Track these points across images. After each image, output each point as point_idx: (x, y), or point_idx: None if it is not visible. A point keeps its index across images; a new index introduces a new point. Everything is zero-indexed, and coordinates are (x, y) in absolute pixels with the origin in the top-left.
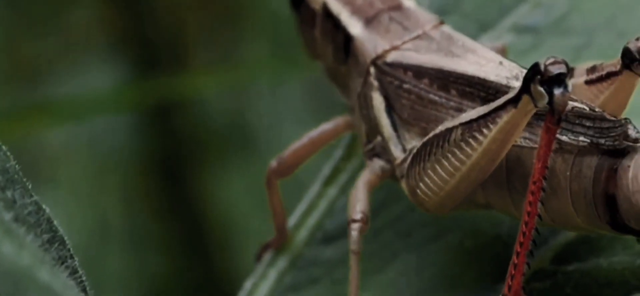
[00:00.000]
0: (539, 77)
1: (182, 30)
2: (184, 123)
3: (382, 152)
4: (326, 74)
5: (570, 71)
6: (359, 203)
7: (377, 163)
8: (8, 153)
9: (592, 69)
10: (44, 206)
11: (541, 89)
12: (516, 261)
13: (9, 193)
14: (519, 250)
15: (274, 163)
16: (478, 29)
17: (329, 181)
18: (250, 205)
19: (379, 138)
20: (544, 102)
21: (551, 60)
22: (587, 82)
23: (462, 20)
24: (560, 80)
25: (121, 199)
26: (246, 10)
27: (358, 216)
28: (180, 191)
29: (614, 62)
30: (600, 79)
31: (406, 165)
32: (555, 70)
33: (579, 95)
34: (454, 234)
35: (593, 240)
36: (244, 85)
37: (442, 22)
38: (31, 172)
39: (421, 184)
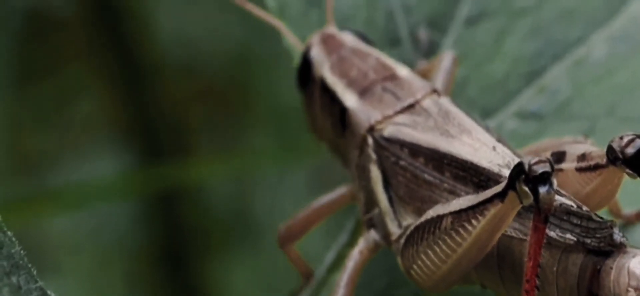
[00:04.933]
0: (523, 176)
1: (186, 119)
2: (187, 212)
3: (379, 223)
4: (328, 148)
5: (561, 156)
6: None
7: (372, 236)
8: (13, 239)
9: (582, 157)
10: (49, 291)
11: (526, 189)
12: None
13: (14, 279)
14: None
15: (282, 228)
16: (482, 114)
17: (333, 267)
18: (255, 294)
19: (376, 210)
20: (529, 200)
21: (535, 159)
22: (577, 169)
23: (466, 105)
24: (544, 179)
25: (125, 287)
26: (251, 101)
27: None
28: (184, 279)
29: (600, 153)
30: (589, 169)
31: (401, 242)
32: (540, 169)
33: (570, 181)
34: None
35: None
36: (248, 173)
37: (435, 91)
38: (35, 260)
39: (415, 266)
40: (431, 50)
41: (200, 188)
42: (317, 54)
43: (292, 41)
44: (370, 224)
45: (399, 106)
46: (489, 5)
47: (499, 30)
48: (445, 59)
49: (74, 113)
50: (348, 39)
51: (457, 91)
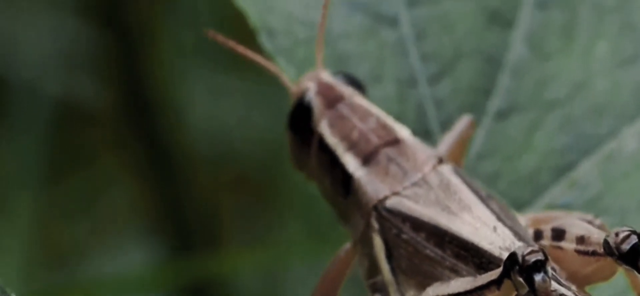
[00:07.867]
0: (517, 267)
1: (217, 210)
2: None
3: (383, 289)
4: (322, 194)
5: (561, 234)
6: None
7: None
8: None
9: (581, 239)
10: None
11: (520, 279)
12: None
13: None
14: None
15: None
16: (513, 207)
17: None
18: None
19: (379, 276)
20: (524, 290)
21: (528, 250)
22: (576, 251)
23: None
24: (538, 267)
25: None
26: (282, 191)
27: None
28: None
29: (598, 241)
30: (587, 253)
31: None
32: (532, 258)
33: (569, 260)
34: None
35: None
36: (279, 265)
37: (441, 161)
38: None
39: None
40: None
41: (231, 279)
42: (315, 102)
43: (290, 87)
44: (375, 288)
45: (407, 182)
46: (520, 98)
47: (529, 124)
48: (461, 122)
49: (104, 205)
50: (341, 87)
51: (487, 184)
